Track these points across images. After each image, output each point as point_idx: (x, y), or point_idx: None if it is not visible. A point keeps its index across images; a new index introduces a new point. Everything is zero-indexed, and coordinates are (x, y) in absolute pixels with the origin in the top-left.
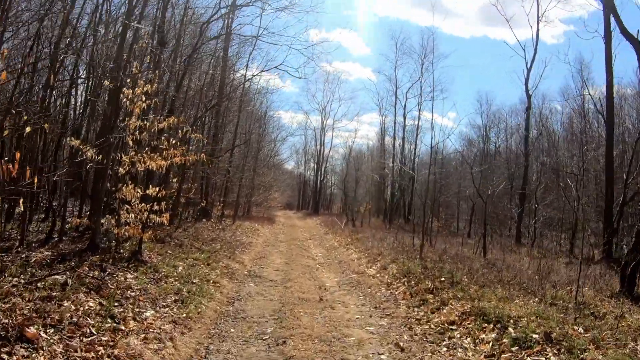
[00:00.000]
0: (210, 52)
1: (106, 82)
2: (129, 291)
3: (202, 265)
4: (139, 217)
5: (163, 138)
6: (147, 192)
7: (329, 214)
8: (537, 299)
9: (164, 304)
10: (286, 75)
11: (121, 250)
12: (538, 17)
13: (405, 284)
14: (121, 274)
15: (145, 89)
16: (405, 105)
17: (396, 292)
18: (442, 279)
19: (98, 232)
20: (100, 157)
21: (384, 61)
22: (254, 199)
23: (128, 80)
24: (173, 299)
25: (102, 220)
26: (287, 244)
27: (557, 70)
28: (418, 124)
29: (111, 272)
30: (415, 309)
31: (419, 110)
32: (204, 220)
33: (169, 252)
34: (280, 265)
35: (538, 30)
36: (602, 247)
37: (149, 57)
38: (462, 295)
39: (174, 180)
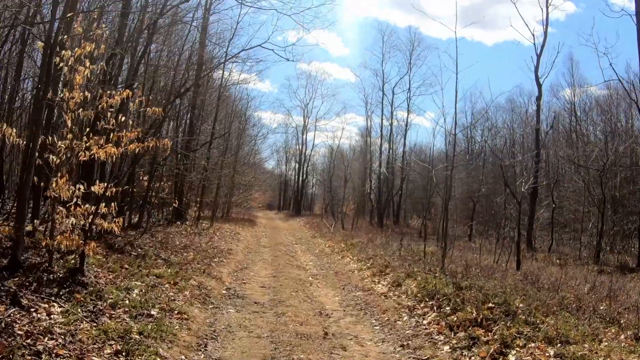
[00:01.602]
0: (186, 27)
1: (40, 44)
2: (46, 338)
3: (166, 285)
4: (82, 222)
5: (109, 115)
6: (93, 189)
7: (312, 215)
8: (629, 333)
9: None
10: (270, 59)
11: (55, 268)
12: None
13: (435, 309)
14: (44, 306)
15: (89, 49)
16: (392, 101)
17: (425, 322)
18: (491, 304)
19: (21, 243)
20: (24, 141)
21: (370, 56)
22: (234, 200)
23: (66, 38)
24: (114, 348)
25: (28, 228)
26: (271, 250)
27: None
28: (407, 119)
29: (29, 304)
30: (464, 352)
31: (408, 105)
32: (178, 223)
33: (127, 266)
34: (266, 279)
35: (547, 13)
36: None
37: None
38: (531, 333)
39: (144, 178)
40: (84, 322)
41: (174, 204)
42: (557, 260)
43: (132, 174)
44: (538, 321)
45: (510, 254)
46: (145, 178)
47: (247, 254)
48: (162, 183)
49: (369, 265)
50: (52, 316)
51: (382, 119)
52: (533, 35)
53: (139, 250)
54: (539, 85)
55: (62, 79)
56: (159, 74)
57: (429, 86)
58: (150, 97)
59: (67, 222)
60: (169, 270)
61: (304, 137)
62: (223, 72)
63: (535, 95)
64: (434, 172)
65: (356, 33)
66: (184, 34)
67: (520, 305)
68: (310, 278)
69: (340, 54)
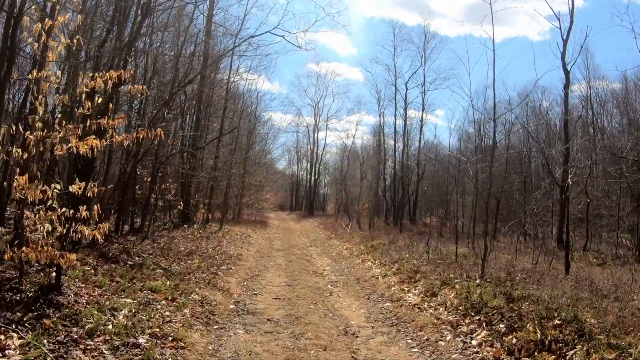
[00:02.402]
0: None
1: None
2: None
3: (163, 302)
4: (58, 229)
5: (83, 96)
6: (71, 188)
7: (325, 215)
8: None
9: None
10: (280, 48)
11: (25, 286)
12: None
13: (485, 326)
14: None
15: (62, 20)
16: (406, 96)
17: (474, 343)
18: (557, 321)
19: None
20: None
21: (381, 50)
22: (245, 201)
23: (33, 8)
24: None
25: None
26: (285, 254)
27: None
28: (422, 114)
29: None
30: None
31: (423, 99)
32: (185, 226)
33: (118, 279)
34: (280, 289)
35: None
36: None
37: None
38: None
39: (148, 179)
40: (48, 358)
41: (179, 207)
42: (594, 260)
43: (132, 173)
44: (624, 344)
45: (552, 255)
46: (149, 179)
47: (258, 259)
48: (168, 184)
49: (394, 270)
50: (6, 352)
51: (395, 115)
52: (559, 18)
53: (136, 258)
54: (567, 73)
55: (28, 56)
56: (161, 64)
57: (444, 80)
58: (150, 92)
59: (41, 229)
60: (168, 283)
61: (315, 136)
62: (231, 63)
63: (547, 88)
64: (451, 167)
65: (363, 32)
66: (189, 23)
67: (593, 321)
68: (329, 286)
69: (348, 53)
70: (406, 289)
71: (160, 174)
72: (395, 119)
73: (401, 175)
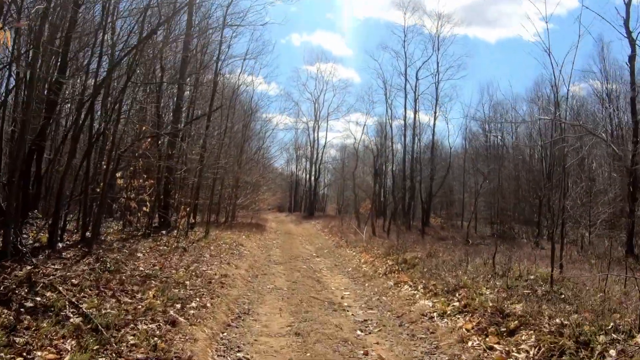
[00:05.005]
0: None
1: None
2: None
3: None
4: None
5: None
6: None
7: (326, 216)
8: None
9: None
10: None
11: None
12: None
13: None
14: None
15: None
16: (416, 87)
17: None
18: None
19: None
20: None
21: (390, 35)
22: (240, 202)
23: None
24: None
25: None
26: (286, 270)
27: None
28: (436, 106)
29: None
30: None
31: (437, 89)
32: (163, 232)
33: None
34: (282, 343)
35: None
36: None
37: None
38: None
39: (118, 175)
40: None
41: (144, 208)
42: None
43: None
44: None
45: None
46: (119, 175)
47: (250, 281)
48: (142, 181)
49: (457, 305)
50: None
51: (405, 106)
52: None
53: (47, 294)
54: (632, 42)
55: None
56: None
57: (457, 68)
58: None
59: None
60: (69, 358)
61: (316, 133)
62: (222, 36)
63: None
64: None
65: (358, 34)
66: None
67: None
68: (359, 332)
69: (344, 54)
70: (499, 347)
71: (131, 167)
72: (405, 111)
73: (411, 174)
